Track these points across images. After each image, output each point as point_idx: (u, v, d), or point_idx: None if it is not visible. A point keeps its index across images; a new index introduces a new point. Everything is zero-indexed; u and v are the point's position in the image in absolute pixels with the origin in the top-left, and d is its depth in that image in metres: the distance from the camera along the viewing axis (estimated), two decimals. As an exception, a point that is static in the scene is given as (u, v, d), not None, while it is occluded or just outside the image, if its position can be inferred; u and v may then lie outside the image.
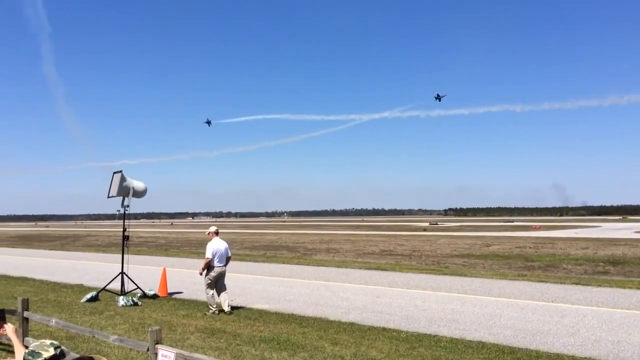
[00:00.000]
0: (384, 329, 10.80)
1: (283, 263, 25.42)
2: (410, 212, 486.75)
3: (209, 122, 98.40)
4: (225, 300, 12.75)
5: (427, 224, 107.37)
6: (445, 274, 20.27)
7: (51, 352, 3.60)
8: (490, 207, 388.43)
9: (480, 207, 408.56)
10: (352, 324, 11.21)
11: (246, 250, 36.11)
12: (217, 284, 12.92)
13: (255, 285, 17.29)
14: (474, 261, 26.46)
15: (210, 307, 12.67)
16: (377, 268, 22.62)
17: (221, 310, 12.56)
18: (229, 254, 13.23)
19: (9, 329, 3.98)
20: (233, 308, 12.77)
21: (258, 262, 26.33)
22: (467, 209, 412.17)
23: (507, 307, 13.17)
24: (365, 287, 16.78)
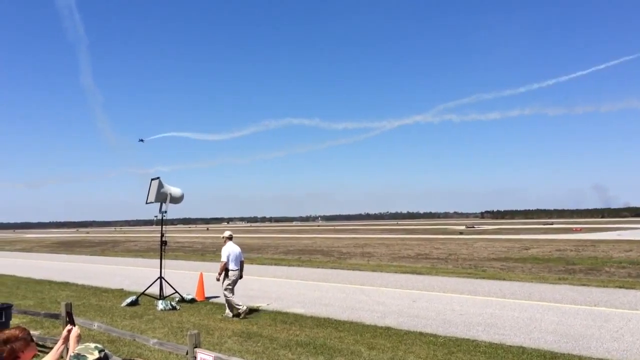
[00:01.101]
0: (421, 333, 10.68)
1: (318, 267, 25.45)
2: (446, 215, 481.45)
3: (142, 140, 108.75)
4: (238, 303, 12.98)
5: (463, 227, 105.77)
6: (483, 278, 19.93)
7: (95, 355, 3.68)
8: (529, 210, 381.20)
9: (518, 209, 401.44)
10: (388, 329, 11.13)
11: (281, 254, 36.31)
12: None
13: (291, 290, 17.35)
14: (513, 264, 25.93)
15: (237, 306, 12.73)
16: (413, 272, 22.41)
17: (235, 315, 12.66)
18: (242, 258, 13.41)
19: (74, 332, 4.09)
20: (250, 311, 12.80)
21: (293, 266, 26.43)
22: (504, 211, 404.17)
23: (547, 311, 12.85)
24: (401, 291, 16.65)
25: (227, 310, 12.93)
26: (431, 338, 10.19)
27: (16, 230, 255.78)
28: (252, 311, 12.62)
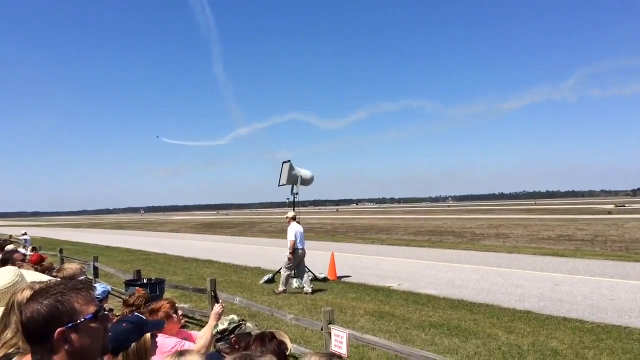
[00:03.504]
0: (565, 319, 9.97)
1: (449, 249, 24.79)
2: (591, 194, 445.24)
3: (158, 137, 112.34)
4: (307, 281, 13.62)
5: (612, 207, 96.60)
6: (637, 261, 18.07)
7: (224, 325, 3.93)
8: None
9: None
10: (528, 313, 10.54)
11: (411, 235, 35.95)
12: (299, 267, 13.82)
13: (422, 271, 17.10)
14: (672, 247, 23.20)
15: (282, 286, 13.50)
16: (554, 254, 20.95)
17: (307, 292, 13.34)
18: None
19: (217, 308, 4.40)
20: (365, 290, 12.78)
21: (423, 247, 26.03)
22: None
23: None
24: (541, 274, 15.66)
25: (304, 286, 13.65)
26: (577, 324, 9.48)
27: (165, 213, 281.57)
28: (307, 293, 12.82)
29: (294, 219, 14.20)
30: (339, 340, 5.55)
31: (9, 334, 2.40)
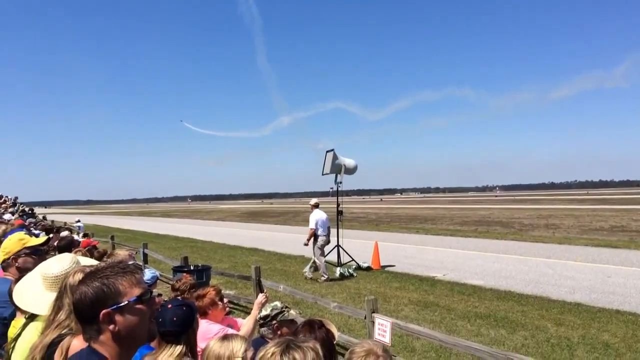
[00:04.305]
0: (617, 311, 9.64)
1: (496, 239, 24.28)
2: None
3: (181, 121, 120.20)
4: (310, 266, 13.94)
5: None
6: (697, 254, 17.23)
7: (268, 311, 3.99)
8: None
9: None
10: (578, 305, 10.24)
11: (456, 225, 35.39)
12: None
13: (468, 261, 16.83)
14: None
15: (324, 274, 13.60)
16: (607, 245, 20.21)
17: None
18: (329, 224, 14.17)
19: (260, 297, 4.47)
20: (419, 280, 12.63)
21: (469, 237, 25.59)
22: None
23: None
24: (592, 266, 15.15)
25: (306, 270, 13.98)
26: (630, 317, 9.16)
27: (211, 202, 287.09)
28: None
29: (316, 206, 14.36)
30: (382, 329, 5.54)
31: (62, 315, 2.52)
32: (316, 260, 13.96)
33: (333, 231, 14.57)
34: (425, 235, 26.92)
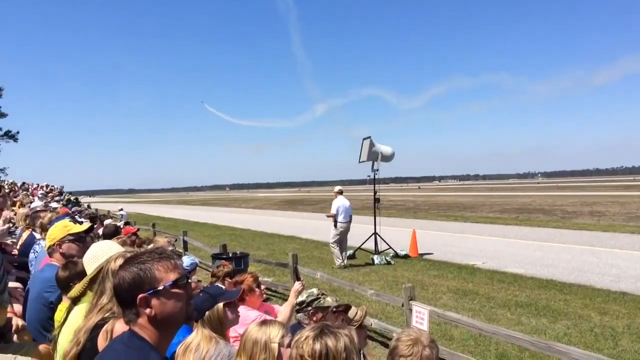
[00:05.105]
0: (665, 301, 9.31)
1: (538, 227, 23.73)
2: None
3: (202, 102, 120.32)
4: (339, 256, 13.92)
5: None
6: None
7: (302, 297, 4.02)
8: None
9: None
10: (623, 294, 9.93)
11: (496, 213, 34.74)
12: (342, 242, 14.03)
13: (508, 249, 16.53)
14: None
15: (337, 259, 13.87)
16: (655, 233, 19.51)
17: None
18: (351, 212, 14.35)
19: (296, 285, 4.52)
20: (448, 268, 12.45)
21: (509, 225, 25.08)
22: None
23: None
24: (639, 254, 14.65)
25: (338, 261, 13.93)
26: (679, 307, 8.82)
27: (249, 190, 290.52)
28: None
29: (340, 192, 14.58)
30: (420, 316, 5.50)
31: (104, 299, 2.63)
32: (330, 245, 14.22)
33: (369, 219, 14.64)
34: (464, 223, 26.55)
